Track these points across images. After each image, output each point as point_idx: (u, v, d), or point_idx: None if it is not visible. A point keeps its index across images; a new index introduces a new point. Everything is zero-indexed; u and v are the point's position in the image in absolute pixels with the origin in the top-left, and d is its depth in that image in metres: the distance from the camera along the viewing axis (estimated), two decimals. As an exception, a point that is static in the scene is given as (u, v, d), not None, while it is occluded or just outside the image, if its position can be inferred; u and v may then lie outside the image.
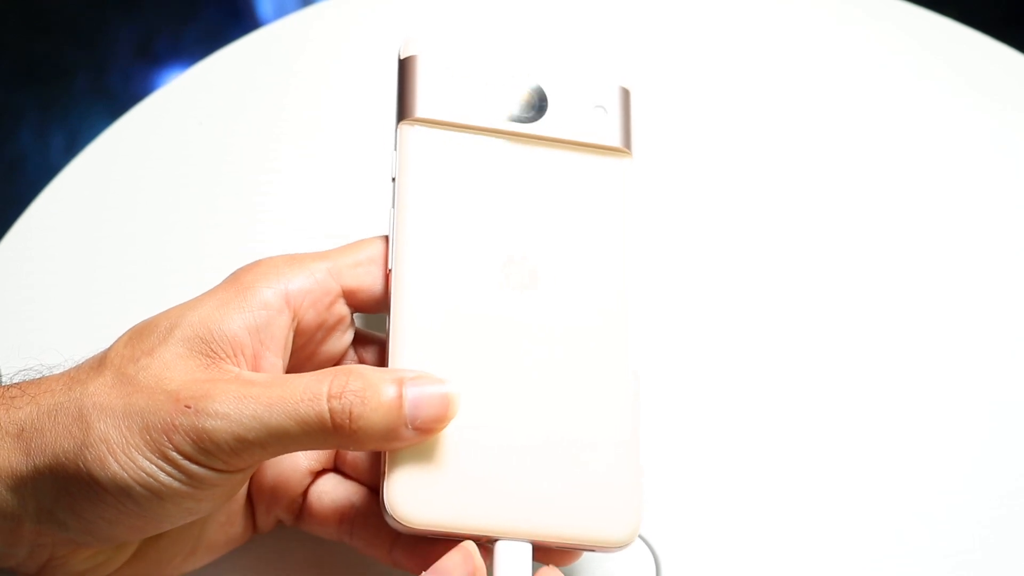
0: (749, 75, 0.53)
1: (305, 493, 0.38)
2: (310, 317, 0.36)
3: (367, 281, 0.37)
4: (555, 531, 0.35)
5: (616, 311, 0.38)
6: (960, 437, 0.45)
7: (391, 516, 0.34)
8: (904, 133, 0.52)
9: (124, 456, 0.32)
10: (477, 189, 0.38)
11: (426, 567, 0.34)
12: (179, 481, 0.32)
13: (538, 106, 0.39)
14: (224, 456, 0.32)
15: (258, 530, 0.39)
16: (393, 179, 0.38)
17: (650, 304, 0.47)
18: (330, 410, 0.33)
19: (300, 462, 0.38)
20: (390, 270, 0.37)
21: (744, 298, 0.48)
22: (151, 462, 0.32)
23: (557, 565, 0.36)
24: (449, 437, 0.35)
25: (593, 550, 0.36)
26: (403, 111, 0.39)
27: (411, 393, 0.33)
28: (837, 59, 0.54)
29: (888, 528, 0.44)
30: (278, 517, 0.39)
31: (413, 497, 0.34)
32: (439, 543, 0.35)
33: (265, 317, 0.35)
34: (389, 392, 0.33)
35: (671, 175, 0.50)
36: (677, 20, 0.55)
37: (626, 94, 0.40)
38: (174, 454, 0.32)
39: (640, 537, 0.39)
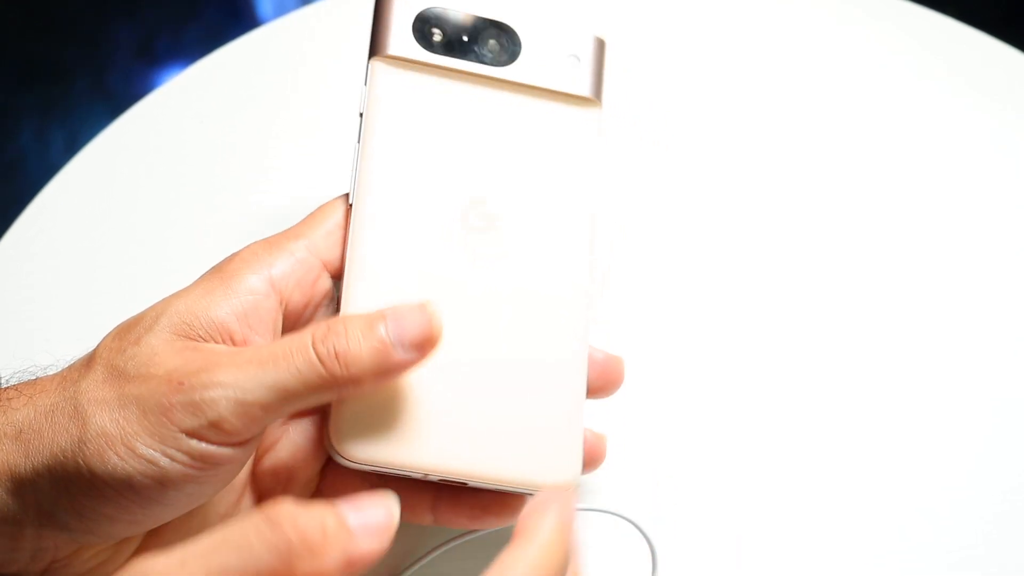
0: (749, 75, 0.53)
1: (323, 470, 0.39)
2: (297, 298, 0.37)
3: (342, 248, 0.38)
4: (492, 472, 0.35)
5: (576, 260, 0.38)
6: (963, 433, 0.45)
7: (334, 451, 0.35)
8: (904, 133, 0.52)
9: (123, 447, 0.32)
10: (443, 131, 0.38)
11: (475, 518, 0.35)
12: (180, 463, 0.32)
13: (511, 51, 0.39)
14: (227, 424, 0.32)
15: None
16: (360, 114, 0.38)
17: (647, 295, 0.47)
18: (317, 355, 0.33)
19: (313, 438, 0.38)
20: (351, 205, 0.37)
21: (745, 291, 0.48)
22: (151, 448, 0.32)
23: (497, 516, 0.37)
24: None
25: (530, 493, 0.36)
26: (375, 47, 0.39)
27: (389, 314, 0.34)
28: (837, 59, 0.54)
29: (891, 524, 0.44)
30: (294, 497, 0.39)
31: (356, 434, 0.35)
32: (481, 494, 0.36)
33: (252, 302, 0.35)
34: (366, 321, 0.34)
35: (671, 175, 0.50)
36: (678, 20, 0.55)
37: (601, 44, 0.40)
38: (175, 434, 0.32)
39: (637, 527, 0.40)
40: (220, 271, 0.36)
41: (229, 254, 0.37)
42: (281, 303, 0.36)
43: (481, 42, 0.39)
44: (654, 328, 0.47)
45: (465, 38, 0.39)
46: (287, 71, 0.54)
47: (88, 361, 0.35)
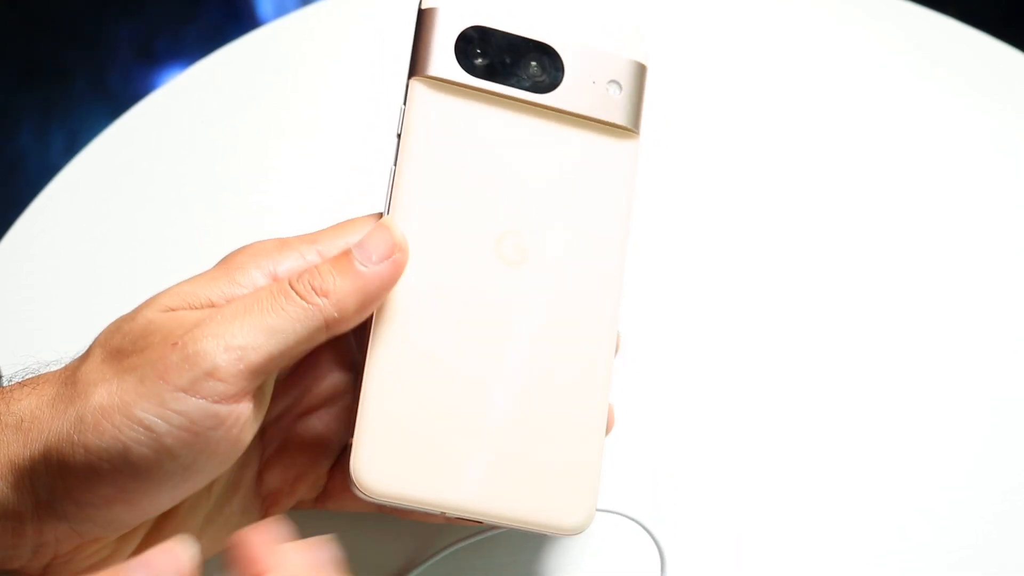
0: (749, 75, 0.53)
1: (330, 471, 0.39)
2: None
3: None
4: (507, 512, 0.35)
5: (603, 298, 0.38)
6: (963, 433, 0.45)
7: (355, 486, 0.35)
8: (904, 133, 0.52)
9: (119, 416, 0.32)
10: (481, 158, 0.38)
11: None
12: (176, 426, 0.32)
13: (553, 76, 0.38)
14: (222, 372, 0.32)
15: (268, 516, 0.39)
16: (398, 135, 0.38)
17: (650, 295, 0.47)
18: (295, 291, 0.34)
19: (322, 436, 0.38)
20: None
21: (750, 292, 0.48)
22: (147, 412, 0.32)
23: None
24: (417, 412, 0.36)
25: (545, 534, 0.36)
26: (415, 66, 0.38)
27: (355, 240, 0.35)
28: (837, 59, 0.54)
29: (893, 524, 0.44)
30: (298, 499, 0.39)
31: (375, 470, 0.35)
32: None
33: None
34: (335, 257, 0.35)
35: (670, 174, 0.50)
36: (677, 21, 0.55)
37: (642, 71, 0.39)
38: (172, 393, 0.32)
39: (646, 530, 0.40)
40: (227, 262, 0.37)
41: (234, 249, 0.37)
42: None
43: (523, 65, 0.38)
44: (658, 328, 0.47)
45: (508, 60, 0.38)
46: (287, 71, 0.54)
47: (87, 351, 0.35)
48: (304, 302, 0.33)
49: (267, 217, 0.49)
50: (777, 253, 0.49)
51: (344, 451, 0.39)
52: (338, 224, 0.38)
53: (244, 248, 0.37)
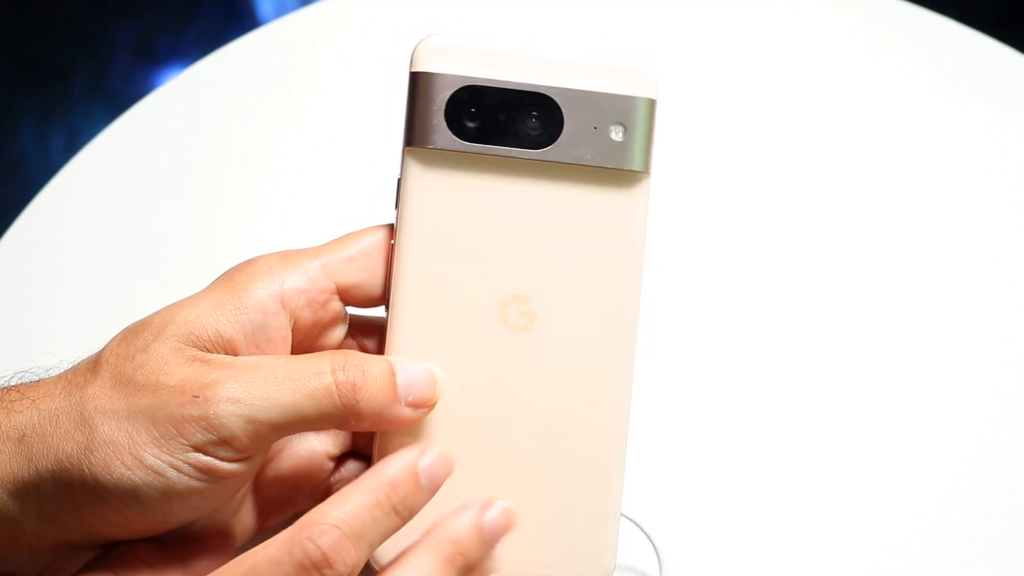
0: (748, 75, 0.53)
1: (328, 480, 0.39)
2: (305, 316, 0.36)
3: (361, 277, 0.37)
4: (525, 569, 0.36)
5: (615, 353, 0.37)
6: (963, 433, 0.45)
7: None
8: (904, 133, 0.52)
9: (130, 457, 0.32)
10: (479, 225, 0.37)
11: None
12: (188, 475, 0.32)
13: (552, 129, 0.36)
14: (237, 442, 0.32)
15: (264, 527, 0.39)
16: (396, 206, 0.37)
17: (649, 299, 0.47)
18: (336, 383, 0.33)
19: (317, 448, 0.38)
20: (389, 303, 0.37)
21: (747, 292, 0.48)
22: (159, 459, 0.32)
23: None
24: None
25: None
26: (408, 137, 0.37)
27: (401, 369, 0.35)
28: (837, 59, 0.54)
29: (895, 523, 0.43)
30: (296, 510, 0.39)
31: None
32: None
33: (261, 320, 0.35)
34: (383, 366, 0.35)
35: (670, 175, 0.50)
36: (677, 21, 0.55)
37: (649, 107, 0.37)
38: (184, 447, 0.32)
39: (642, 531, 0.40)
40: (231, 281, 0.36)
41: (239, 261, 0.37)
42: (291, 320, 0.36)
43: (519, 121, 0.36)
44: (657, 329, 0.47)
45: (502, 118, 0.36)
46: (287, 71, 0.54)
47: (93, 366, 0.34)
48: (338, 397, 0.33)
49: (266, 217, 0.49)
50: (776, 254, 0.49)
51: (343, 459, 0.39)
52: (342, 237, 0.38)
53: (245, 265, 0.36)
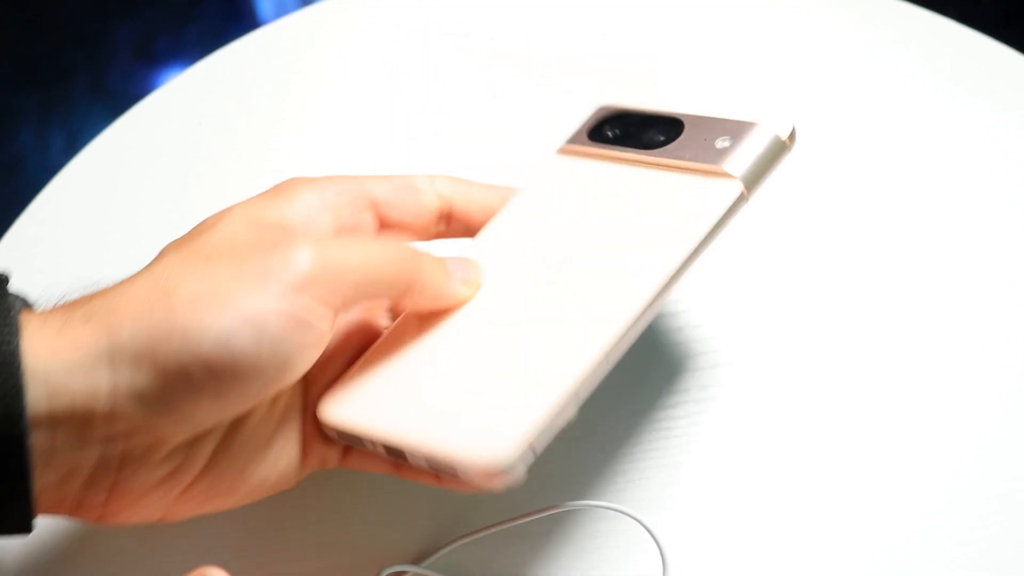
0: (748, 75, 0.53)
1: None
2: (347, 216, 0.38)
3: (394, 197, 0.39)
4: (429, 448, 0.34)
5: (637, 289, 0.36)
6: (963, 433, 0.45)
7: (319, 418, 0.37)
8: (904, 133, 0.52)
9: (220, 303, 0.32)
10: (566, 198, 0.40)
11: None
12: (279, 315, 0.33)
13: (668, 138, 0.40)
14: (318, 289, 0.33)
15: (306, 470, 0.39)
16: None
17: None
18: (410, 251, 0.37)
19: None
20: None
21: (749, 288, 0.48)
22: (250, 299, 0.33)
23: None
24: (403, 359, 0.37)
25: (459, 475, 0.34)
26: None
27: (447, 258, 0.39)
28: (837, 59, 0.54)
29: (897, 523, 0.44)
30: (324, 457, 0.38)
31: (338, 403, 0.37)
32: None
33: (309, 214, 0.37)
34: (432, 255, 0.38)
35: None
36: (677, 21, 0.55)
37: (764, 131, 0.39)
38: (275, 286, 0.33)
39: (647, 530, 0.39)
40: (276, 189, 0.38)
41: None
42: (335, 219, 0.38)
43: (642, 131, 0.41)
44: (658, 328, 0.47)
45: (631, 130, 0.41)
46: (287, 72, 0.54)
47: (151, 263, 0.36)
48: (407, 263, 0.36)
49: (267, 217, 0.49)
50: (776, 254, 0.49)
51: None
52: (382, 176, 0.40)
53: (287, 180, 0.38)
